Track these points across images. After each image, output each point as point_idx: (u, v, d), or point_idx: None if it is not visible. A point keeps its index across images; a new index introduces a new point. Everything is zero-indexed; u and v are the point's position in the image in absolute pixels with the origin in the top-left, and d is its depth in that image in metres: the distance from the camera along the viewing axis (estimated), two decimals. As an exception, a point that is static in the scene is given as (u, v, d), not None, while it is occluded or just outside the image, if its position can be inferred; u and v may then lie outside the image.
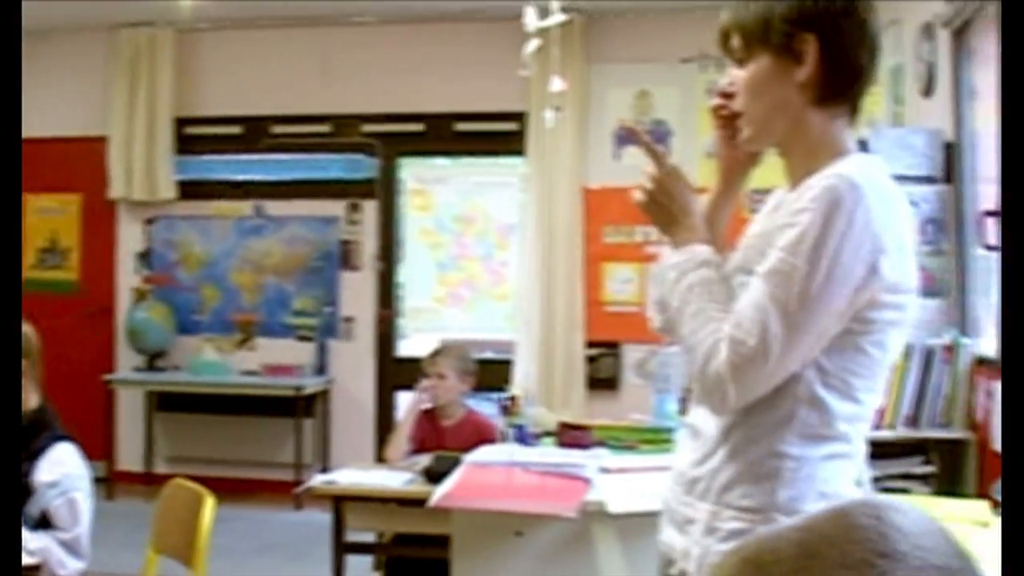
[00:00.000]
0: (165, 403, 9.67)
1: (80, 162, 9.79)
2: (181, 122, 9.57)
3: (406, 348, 9.56)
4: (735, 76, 2.47)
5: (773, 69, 2.39)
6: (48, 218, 9.94)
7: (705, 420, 2.43)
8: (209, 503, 3.71)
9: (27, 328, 3.72)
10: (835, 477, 2.35)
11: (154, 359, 9.58)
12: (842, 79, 2.39)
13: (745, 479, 2.34)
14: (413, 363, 6.84)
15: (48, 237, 9.97)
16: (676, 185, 2.49)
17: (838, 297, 2.25)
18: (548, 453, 4.81)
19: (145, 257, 9.79)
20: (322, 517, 5.69)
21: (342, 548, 5.48)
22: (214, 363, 9.44)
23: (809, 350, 2.28)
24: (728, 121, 2.51)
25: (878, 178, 2.36)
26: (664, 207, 2.49)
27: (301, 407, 9.09)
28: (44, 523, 3.42)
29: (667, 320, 2.45)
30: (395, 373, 9.31)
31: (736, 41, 2.45)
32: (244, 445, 9.48)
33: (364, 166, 9.44)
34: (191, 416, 9.60)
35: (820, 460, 2.33)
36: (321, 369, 9.44)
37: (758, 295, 2.26)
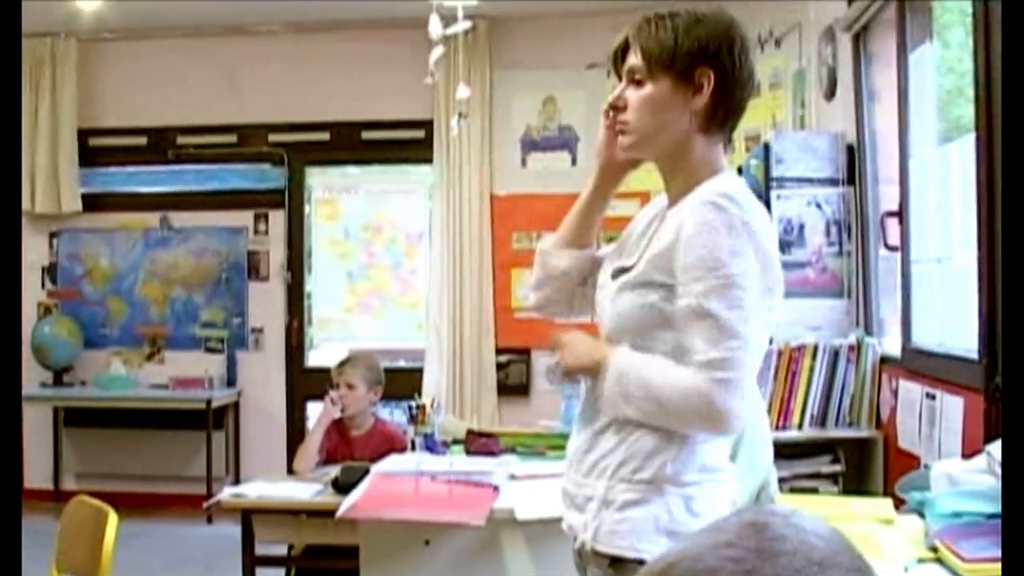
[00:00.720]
0: (72, 418, 9.55)
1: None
2: (85, 133, 9.46)
3: (316, 358, 9.51)
4: (627, 93, 2.73)
5: (671, 93, 2.67)
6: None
7: (593, 411, 2.73)
8: (112, 519, 3.66)
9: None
10: (714, 452, 2.67)
11: (60, 374, 9.46)
12: (728, 110, 2.68)
13: (636, 457, 2.63)
14: (323, 373, 6.80)
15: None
16: (576, 344, 2.80)
17: (762, 305, 2.57)
18: (456, 461, 4.79)
19: (50, 271, 9.66)
20: (233, 530, 5.62)
21: (253, 561, 5.43)
22: (122, 377, 9.33)
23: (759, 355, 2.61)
24: (614, 126, 2.79)
25: (749, 194, 2.64)
26: (581, 362, 2.78)
27: (211, 420, 9.00)
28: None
29: (649, 415, 2.61)
30: (305, 383, 9.26)
31: (636, 60, 2.69)
32: (154, 459, 9.38)
33: (271, 176, 9.38)
34: (99, 431, 9.48)
35: (702, 440, 2.63)
36: (230, 381, 9.37)
37: (708, 332, 2.50)
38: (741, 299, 2.49)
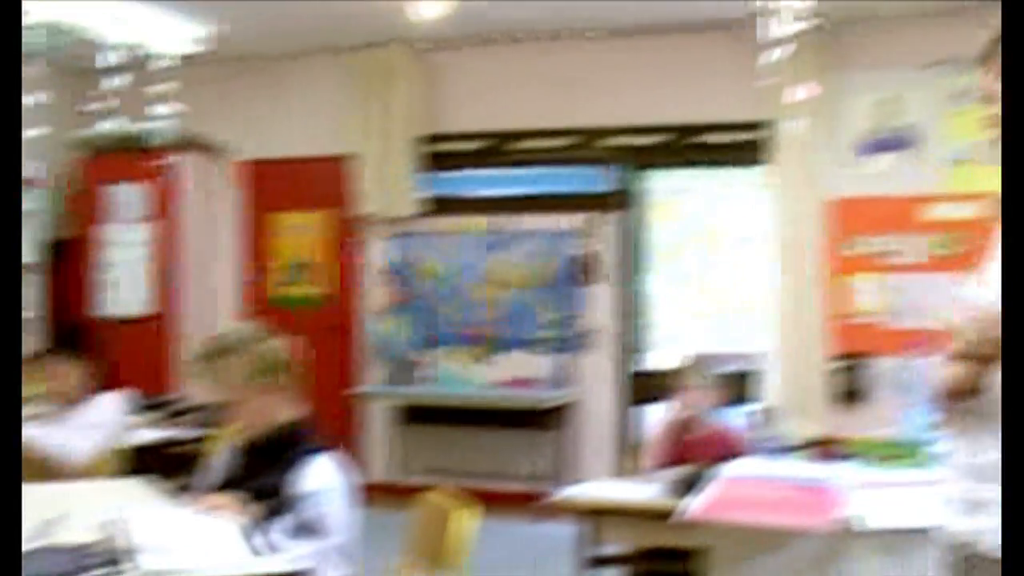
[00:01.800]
0: (410, 415, 9.82)
1: (328, 180, 10.03)
2: (426, 139, 9.71)
3: (650, 362, 9.50)
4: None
5: None
6: (297, 235, 10.21)
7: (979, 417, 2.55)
8: (467, 512, 3.73)
9: (282, 342, 3.79)
10: None
11: (399, 372, 9.74)
12: None
13: None
14: (657, 377, 6.78)
15: (297, 254, 10.23)
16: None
17: None
18: (800, 467, 4.71)
19: (390, 272, 9.95)
20: (561, 530, 5.67)
21: (589, 561, 5.45)
22: (457, 376, 9.55)
23: None
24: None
25: None
26: None
27: (541, 420, 9.11)
28: (305, 533, 3.47)
29: None
30: (638, 387, 9.25)
31: None
32: (485, 457, 9.55)
33: (606, 179, 9.43)
34: (434, 428, 9.73)
35: None
36: (562, 382, 9.45)
37: None
38: None
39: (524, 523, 8.69)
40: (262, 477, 3.57)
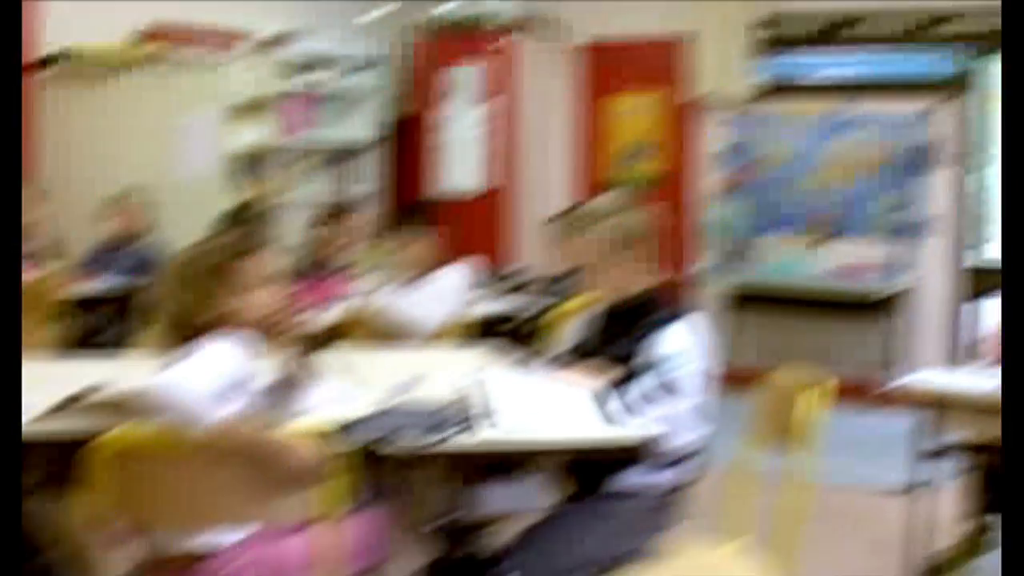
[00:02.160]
0: (741, 300, 9.79)
1: (664, 62, 10.00)
2: (764, 21, 9.55)
3: (987, 254, 9.20)
4: None
5: None
6: (632, 117, 10.23)
7: None
8: (816, 392, 3.71)
9: (643, 212, 3.83)
10: None
11: (732, 257, 9.71)
12: None
13: None
14: (995, 270, 6.55)
15: (632, 135, 10.25)
16: None
17: None
18: None
19: (726, 155, 9.88)
20: (896, 420, 5.56)
21: (927, 452, 5.35)
22: (790, 262, 9.46)
23: None
24: None
25: None
26: None
27: (873, 308, 8.96)
28: (660, 396, 3.51)
29: None
30: (974, 280, 8.99)
31: None
32: (813, 344, 9.46)
33: (948, 64, 9.10)
34: (765, 313, 9.68)
35: None
36: (896, 271, 9.24)
37: None
38: None
39: (854, 412, 8.59)
40: (618, 343, 3.62)
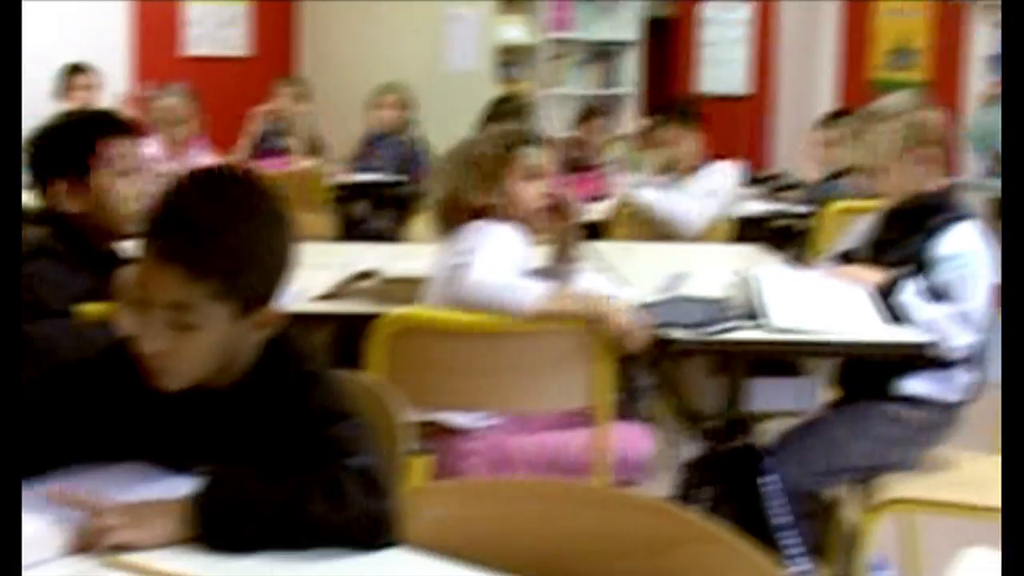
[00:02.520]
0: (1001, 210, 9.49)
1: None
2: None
3: None
4: None
5: None
6: (898, 20, 9.92)
7: None
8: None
9: (935, 113, 3.73)
10: None
11: (996, 164, 9.39)
12: None
13: None
14: None
15: (898, 39, 9.95)
16: None
17: None
18: None
19: (994, 60, 9.53)
20: None
21: None
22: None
23: None
24: None
25: None
26: None
27: None
28: (938, 296, 3.42)
29: None
30: None
31: None
32: None
33: None
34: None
35: None
36: None
37: None
38: None
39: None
40: (902, 243, 3.53)
